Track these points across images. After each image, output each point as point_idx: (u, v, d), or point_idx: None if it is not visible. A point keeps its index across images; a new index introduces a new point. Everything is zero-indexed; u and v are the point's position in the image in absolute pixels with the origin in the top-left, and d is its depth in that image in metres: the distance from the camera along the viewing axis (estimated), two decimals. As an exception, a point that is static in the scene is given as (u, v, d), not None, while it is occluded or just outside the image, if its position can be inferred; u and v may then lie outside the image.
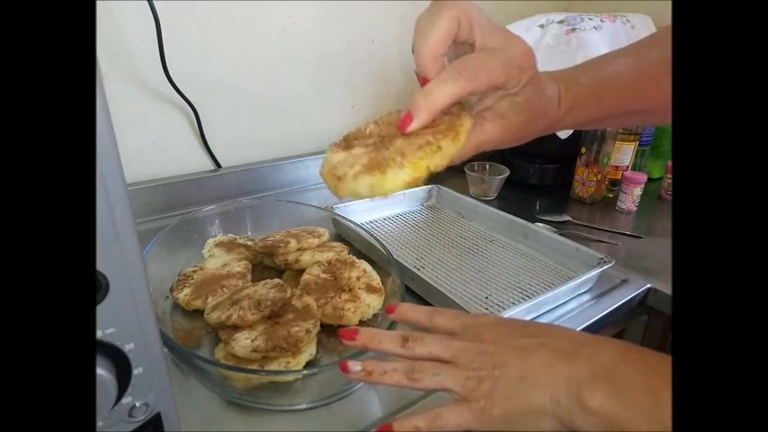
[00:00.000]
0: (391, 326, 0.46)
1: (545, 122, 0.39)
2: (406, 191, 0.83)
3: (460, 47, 0.35)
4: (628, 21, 0.92)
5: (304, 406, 0.44)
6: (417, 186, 0.33)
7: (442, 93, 0.33)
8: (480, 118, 0.37)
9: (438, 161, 0.33)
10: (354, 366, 0.36)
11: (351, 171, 0.33)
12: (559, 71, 0.41)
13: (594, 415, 0.30)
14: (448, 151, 0.33)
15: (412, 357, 0.36)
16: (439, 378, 0.34)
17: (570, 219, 0.84)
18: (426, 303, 0.59)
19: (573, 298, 0.62)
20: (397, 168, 0.32)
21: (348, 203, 0.79)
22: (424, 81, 0.34)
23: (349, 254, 0.63)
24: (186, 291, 0.54)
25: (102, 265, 0.23)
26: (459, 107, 0.35)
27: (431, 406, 0.35)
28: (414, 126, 0.33)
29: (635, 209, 0.88)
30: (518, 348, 0.34)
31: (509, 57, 0.34)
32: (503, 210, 0.78)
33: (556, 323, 0.57)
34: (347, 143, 0.37)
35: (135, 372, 0.27)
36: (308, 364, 0.47)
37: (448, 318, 0.39)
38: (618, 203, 0.89)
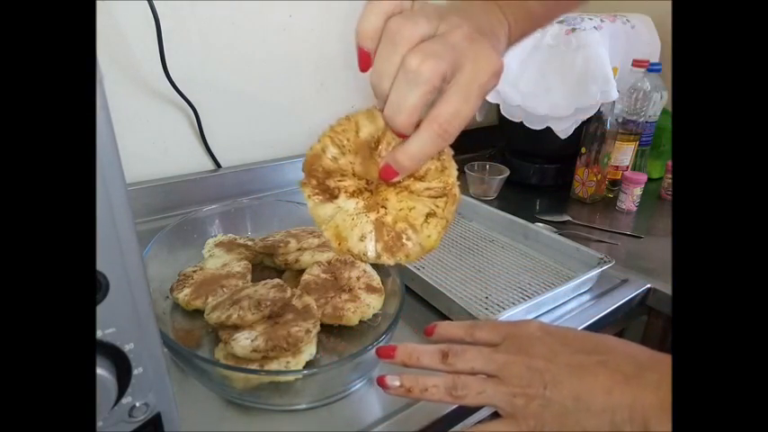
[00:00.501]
0: (393, 324, 0.46)
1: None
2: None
3: None
4: (628, 21, 0.92)
5: (304, 406, 0.44)
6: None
7: (425, 153, 0.32)
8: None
9: (446, 227, 0.34)
10: (393, 381, 0.35)
11: (368, 250, 0.34)
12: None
13: None
14: (453, 217, 0.34)
15: (453, 373, 0.34)
16: (484, 396, 0.33)
17: (570, 219, 0.84)
18: (426, 303, 0.59)
19: (573, 298, 0.62)
20: (419, 251, 0.34)
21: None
22: (401, 135, 0.33)
23: (349, 254, 0.63)
24: (186, 291, 0.54)
25: (102, 265, 0.23)
26: (445, 157, 0.35)
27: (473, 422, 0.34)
28: (397, 179, 0.34)
29: (635, 209, 0.88)
30: (571, 366, 0.32)
31: (480, 86, 0.32)
32: (503, 210, 0.78)
33: (556, 323, 0.57)
34: (320, 184, 0.35)
35: (135, 372, 0.27)
36: (308, 364, 0.47)
37: (488, 330, 0.37)
38: (618, 203, 0.89)
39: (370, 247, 0.34)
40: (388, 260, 0.34)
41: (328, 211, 0.35)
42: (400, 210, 0.34)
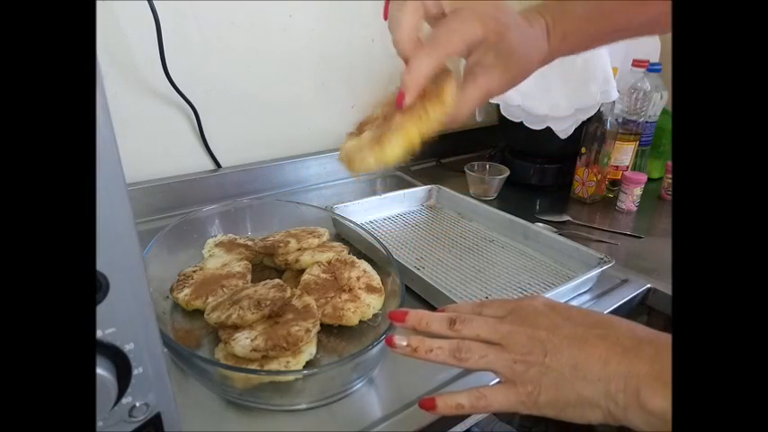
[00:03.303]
0: (392, 324, 0.46)
1: (538, 58, 0.41)
2: (406, 191, 0.84)
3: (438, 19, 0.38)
4: (628, 21, 0.92)
5: (304, 406, 0.44)
6: (415, 148, 0.40)
7: (422, 67, 0.36)
8: (471, 74, 0.40)
9: (427, 125, 0.38)
10: (400, 341, 0.37)
11: (358, 153, 0.39)
12: (547, 1, 0.42)
13: (653, 415, 0.30)
14: (434, 115, 0.37)
15: (459, 339, 0.36)
16: (486, 360, 0.35)
17: (570, 219, 0.84)
18: (426, 303, 0.59)
19: (573, 298, 0.62)
20: (392, 139, 0.37)
21: (348, 204, 0.79)
22: (408, 62, 0.37)
23: (349, 254, 0.63)
24: (186, 291, 0.54)
25: (102, 265, 0.23)
26: (445, 73, 0.38)
27: (474, 385, 0.36)
28: (407, 101, 0.36)
29: (635, 209, 0.88)
30: (572, 338, 0.34)
31: (477, 12, 0.36)
32: (503, 210, 0.78)
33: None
34: (359, 130, 0.42)
35: (135, 372, 0.27)
36: (308, 364, 0.47)
37: (495, 307, 0.39)
38: (618, 203, 0.89)
39: (362, 151, 0.39)
40: (367, 156, 0.38)
41: (351, 142, 0.41)
42: (398, 120, 0.38)
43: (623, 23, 0.43)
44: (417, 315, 0.39)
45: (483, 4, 0.36)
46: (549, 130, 0.87)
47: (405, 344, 0.37)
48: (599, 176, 0.89)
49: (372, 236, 0.62)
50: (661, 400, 0.29)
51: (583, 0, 0.42)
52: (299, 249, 0.62)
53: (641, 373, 0.31)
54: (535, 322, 0.35)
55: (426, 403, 0.36)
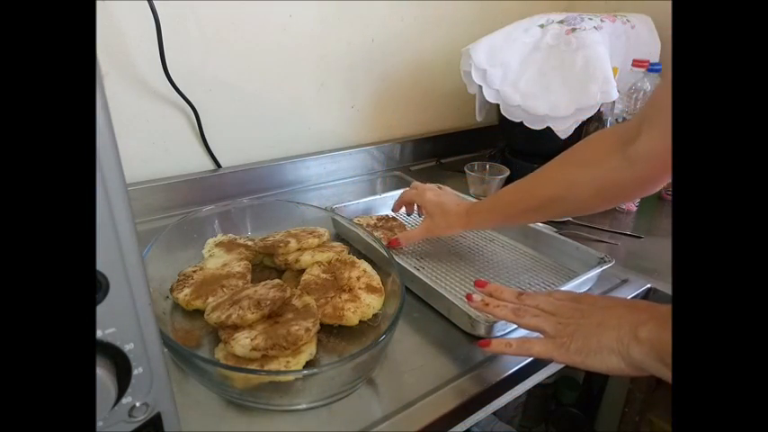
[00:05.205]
0: (392, 324, 0.46)
1: (456, 226, 0.65)
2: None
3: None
4: (628, 21, 0.92)
5: (304, 406, 0.44)
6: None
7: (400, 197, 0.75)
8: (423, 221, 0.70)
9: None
10: (476, 296, 0.49)
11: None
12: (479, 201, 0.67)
13: (643, 343, 0.38)
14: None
15: (522, 305, 0.47)
16: (537, 320, 0.45)
17: (570, 218, 0.84)
18: (426, 304, 0.59)
19: (573, 298, 0.62)
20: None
21: (347, 203, 0.78)
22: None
23: (349, 254, 0.63)
24: (186, 291, 0.54)
25: (102, 265, 0.23)
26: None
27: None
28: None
29: (635, 209, 0.88)
30: (604, 306, 0.43)
31: (422, 195, 0.69)
32: (503, 210, 0.78)
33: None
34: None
35: (135, 372, 0.27)
36: (308, 364, 0.47)
37: (561, 293, 0.48)
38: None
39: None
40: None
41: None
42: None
43: (522, 218, 0.67)
44: (495, 285, 0.51)
45: (432, 191, 0.68)
46: (549, 130, 0.87)
47: (480, 299, 0.49)
48: (599, 176, 0.88)
49: (372, 236, 0.62)
50: (647, 331, 0.38)
51: (497, 205, 0.66)
52: (298, 249, 0.62)
53: (641, 319, 0.39)
54: (583, 299, 0.45)
55: (483, 342, 0.46)
